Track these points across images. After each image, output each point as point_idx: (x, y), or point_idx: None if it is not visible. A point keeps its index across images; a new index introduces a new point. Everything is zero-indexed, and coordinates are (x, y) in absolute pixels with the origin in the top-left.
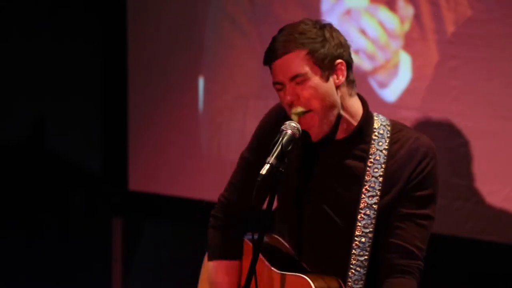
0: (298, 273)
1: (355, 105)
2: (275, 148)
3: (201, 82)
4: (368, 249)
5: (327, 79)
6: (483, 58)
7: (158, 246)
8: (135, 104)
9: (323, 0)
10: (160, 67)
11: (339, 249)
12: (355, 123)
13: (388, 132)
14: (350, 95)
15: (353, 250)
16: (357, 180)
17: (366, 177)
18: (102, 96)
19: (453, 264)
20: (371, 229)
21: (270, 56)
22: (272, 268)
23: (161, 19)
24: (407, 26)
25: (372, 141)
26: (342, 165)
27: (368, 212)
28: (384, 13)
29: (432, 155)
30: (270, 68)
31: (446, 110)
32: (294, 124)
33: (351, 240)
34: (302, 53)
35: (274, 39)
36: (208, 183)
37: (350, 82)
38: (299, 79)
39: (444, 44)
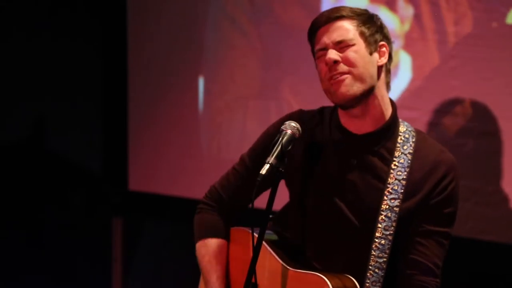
0: (313, 271)
1: (387, 99)
2: (275, 148)
3: (201, 82)
4: (387, 251)
5: (370, 53)
6: (483, 58)
7: (158, 246)
8: (135, 104)
9: (323, 0)
10: (160, 67)
11: (357, 249)
12: (385, 117)
13: (414, 137)
14: (386, 85)
15: (373, 252)
16: (380, 181)
17: (389, 179)
18: (102, 96)
19: (453, 264)
20: (391, 232)
21: (319, 21)
22: (285, 265)
23: (161, 19)
24: (407, 26)
25: (398, 144)
26: (366, 163)
27: (389, 214)
28: (384, 13)
29: (456, 173)
30: (314, 39)
31: (446, 110)
32: (294, 124)
33: (371, 241)
34: (352, 22)
35: (322, 12)
36: (208, 183)
37: (388, 71)
38: (344, 44)
39: (444, 44)
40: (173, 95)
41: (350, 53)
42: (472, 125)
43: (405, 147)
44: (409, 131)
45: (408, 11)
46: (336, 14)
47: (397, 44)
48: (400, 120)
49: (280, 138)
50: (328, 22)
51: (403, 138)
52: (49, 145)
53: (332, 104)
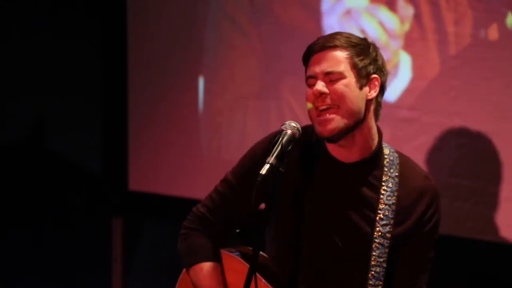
0: None
1: (375, 129)
2: (275, 148)
3: (201, 82)
4: (382, 278)
5: (360, 87)
6: (483, 58)
7: (158, 246)
8: (135, 104)
9: (323, 0)
10: (160, 67)
11: (354, 280)
12: (372, 147)
13: (397, 159)
14: (375, 117)
15: (370, 281)
16: (371, 209)
17: (380, 205)
18: (102, 96)
19: (453, 264)
20: (384, 258)
21: (313, 48)
22: None
23: (161, 19)
24: (407, 26)
25: (385, 168)
26: (355, 192)
27: (382, 241)
28: (384, 13)
29: (438, 201)
30: (307, 63)
31: (446, 110)
32: (294, 124)
33: (367, 270)
34: (345, 53)
35: (320, 37)
36: (208, 183)
37: (378, 104)
38: (334, 76)
39: (444, 44)
40: (173, 95)
41: (339, 86)
42: (472, 125)
43: (391, 170)
44: (392, 152)
45: (408, 11)
46: (330, 44)
47: (397, 44)
48: (383, 142)
49: (280, 138)
50: (322, 51)
51: (388, 161)
52: (49, 145)
53: None
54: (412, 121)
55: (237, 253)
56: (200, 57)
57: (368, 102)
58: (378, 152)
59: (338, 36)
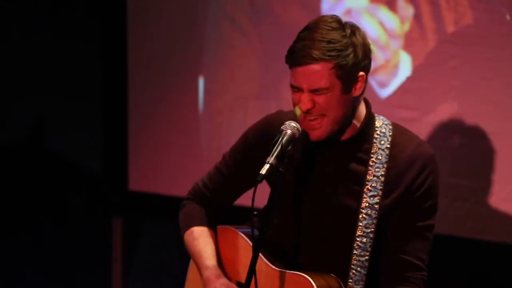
0: (297, 271)
1: (362, 108)
2: (275, 148)
3: (201, 82)
4: (369, 249)
5: (346, 92)
6: (483, 58)
7: (158, 246)
8: (135, 104)
9: (323, 0)
10: (160, 67)
11: (340, 249)
12: (358, 125)
13: (390, 131)
14: (360, 101)
15: (354, 251)
16: (359, 183)
17: (368, 177)
18: (102, 96)
19: (453, 264)
20: (372, 229)
21: (294, 59)
22: (270, 265)
23: (161, 19)
24: (407, 26)
25: (374, 140)
26: (344, 170)
27: (369, 212)
28: (384, 13)
29: (433, 166)
30: (290, 67)
31: (446, 110)
32: (294, 124)
33: (352, 240)
34: (328, 65)
35: (300, 39)
36: None
37: (364, 90)
38: (319, 91)
39: (444, 44)
40: (173, 95)
41: (326, 100)
42: (472, 125)
43: (382, 142)
44: (386, 124)
45: (408, 11)
46: (311, 58)
47: (397, 44)
48: (375, 115)
49: (280, 138)
50: (304, 64)
51: (379, 133)
52: (49, 145)
53: None
54: (412, 121)
55: (235, 227)
56: (200, 57)
57: (355, 98)
58: (367, 125)
59: (320, 45)
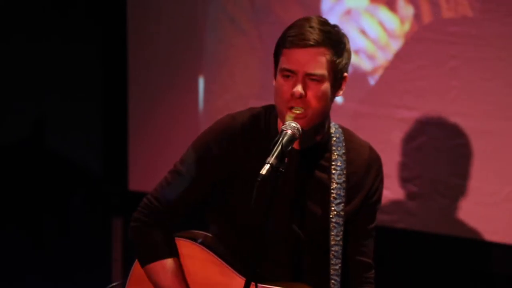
0: (271, 284)
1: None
2: (275, 148)
3: (201, 82)
4: (340, 256)
5: (334, 90)
6: (483, 58)
7: None
8: (135, 104)
9: (323, 0)
10: (160, 67)
11: (316, 263)
12: (323, 132)
13: (342, 136)
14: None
15: (331, 261)
16: (325, 191)
17: (332, 185)
18: (102, 96)
19: (453, 264)
20: (341, 237)
21: (293, 41)
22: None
23: (161, 19)
24: (407, 26)
25: (333, 147)
26: (309, 177)
27: (338, 220)
28: (384, 13)
29: (382, 170)
30: (282, 50)
31: (446, 110)
32: (294, 124)
33: (328, 251)
34: (327, 53)
35: (297, 26)
36: None
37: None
38: (314, 77)
39: (444, 44)
40: (173, 95)
41: (317, 91)
42: (472, 125)
43: (338, 148)
44: (337, 129)
45: (408, 11)
46: (313, 41)
47: (397, 44)
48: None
49: (281, 138)
50: (305, 47)
51: (335, 139)
52: (49, 145)
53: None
54: (412, 121)
55: (191, 239)
56: (200, 57)
57: (335, 98)
58: (328, 134)
59: (319, 32)
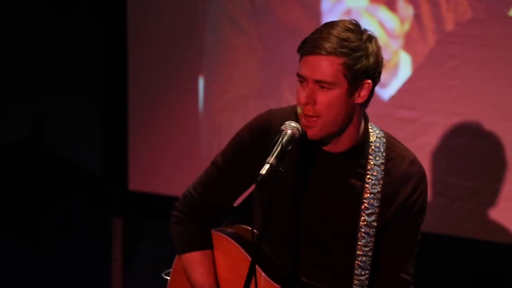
0: None
1: (361, 121)
2: (275, 148)
3: (201, 82)
4: (368, 267)
5: (350, 95)
6: (483, 58)
7: (158, 246)
8: (135, 104)
9: (323, 0)
10: (160, 67)
11: (340, 269)
12: (359, 135)
13: (384, 145)
14: (362, 112)
15: (355, 270)
16: (356, 198)
17: (365, 194)
18: (102, 96)
19: (453, 264)
20: (370, 247)
21: (306, 48)
22: (270, 281)
23: (161, 19)
24: (407, 26)
25: (370, 156)
26: (341, 184)
27: (367, 230)
28: (384, 13)
29: (425, 184)
30: (301, 57)
31: (446, 110)
32: (294, 124)
33: (353, 259)
34: (338, 61)
35: (317, 31)
36: None
37: (368, 101)
38: (324, 85)
39: (444, 44)
40: (173, 95)
41: (327, 99)
42: (472, 125)
43: (377, 158)
44: (379, 138)
45: (408, 11)
46: (324, 50)
47: (397, 44)
48: (369, 126)
49: (280, 138)
50: (314, 54)
51: (374, 149)
52: (49, 145)
53: None
54: (412, 121)
55: (230, 234)
56: (200, 57)
57: (357, 105)
58: (364, 141)
59: (335, 40)
